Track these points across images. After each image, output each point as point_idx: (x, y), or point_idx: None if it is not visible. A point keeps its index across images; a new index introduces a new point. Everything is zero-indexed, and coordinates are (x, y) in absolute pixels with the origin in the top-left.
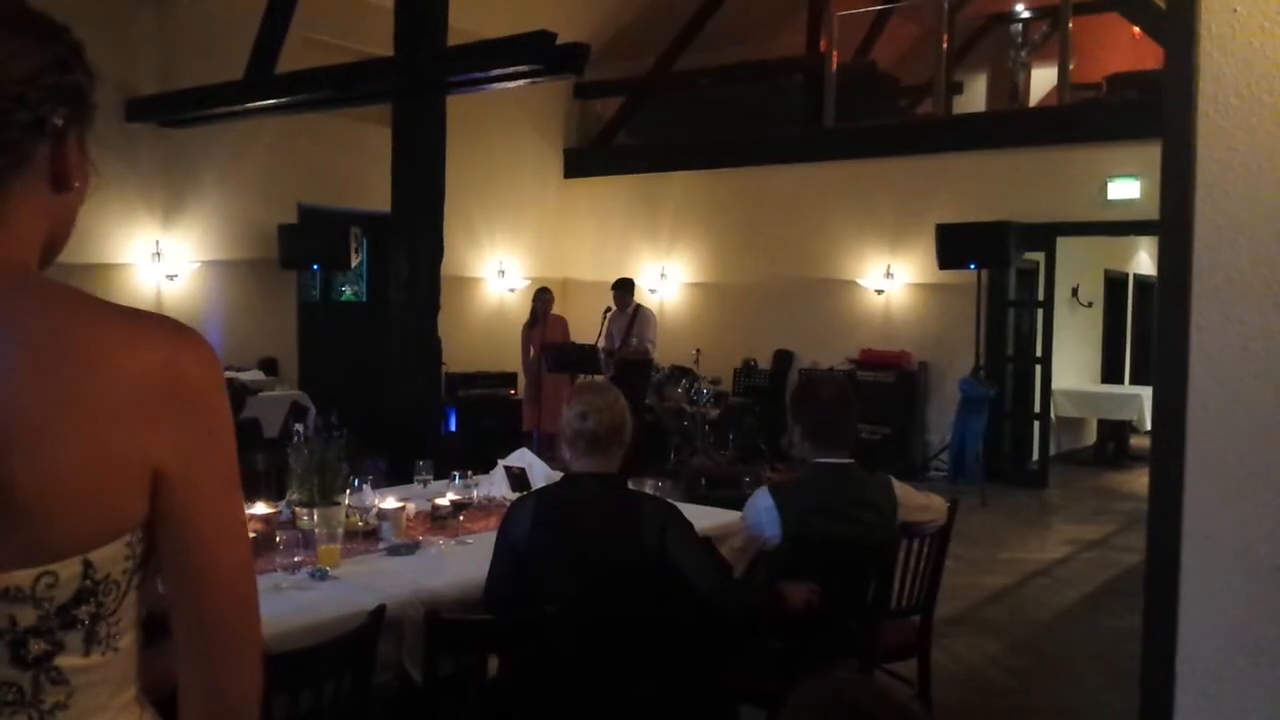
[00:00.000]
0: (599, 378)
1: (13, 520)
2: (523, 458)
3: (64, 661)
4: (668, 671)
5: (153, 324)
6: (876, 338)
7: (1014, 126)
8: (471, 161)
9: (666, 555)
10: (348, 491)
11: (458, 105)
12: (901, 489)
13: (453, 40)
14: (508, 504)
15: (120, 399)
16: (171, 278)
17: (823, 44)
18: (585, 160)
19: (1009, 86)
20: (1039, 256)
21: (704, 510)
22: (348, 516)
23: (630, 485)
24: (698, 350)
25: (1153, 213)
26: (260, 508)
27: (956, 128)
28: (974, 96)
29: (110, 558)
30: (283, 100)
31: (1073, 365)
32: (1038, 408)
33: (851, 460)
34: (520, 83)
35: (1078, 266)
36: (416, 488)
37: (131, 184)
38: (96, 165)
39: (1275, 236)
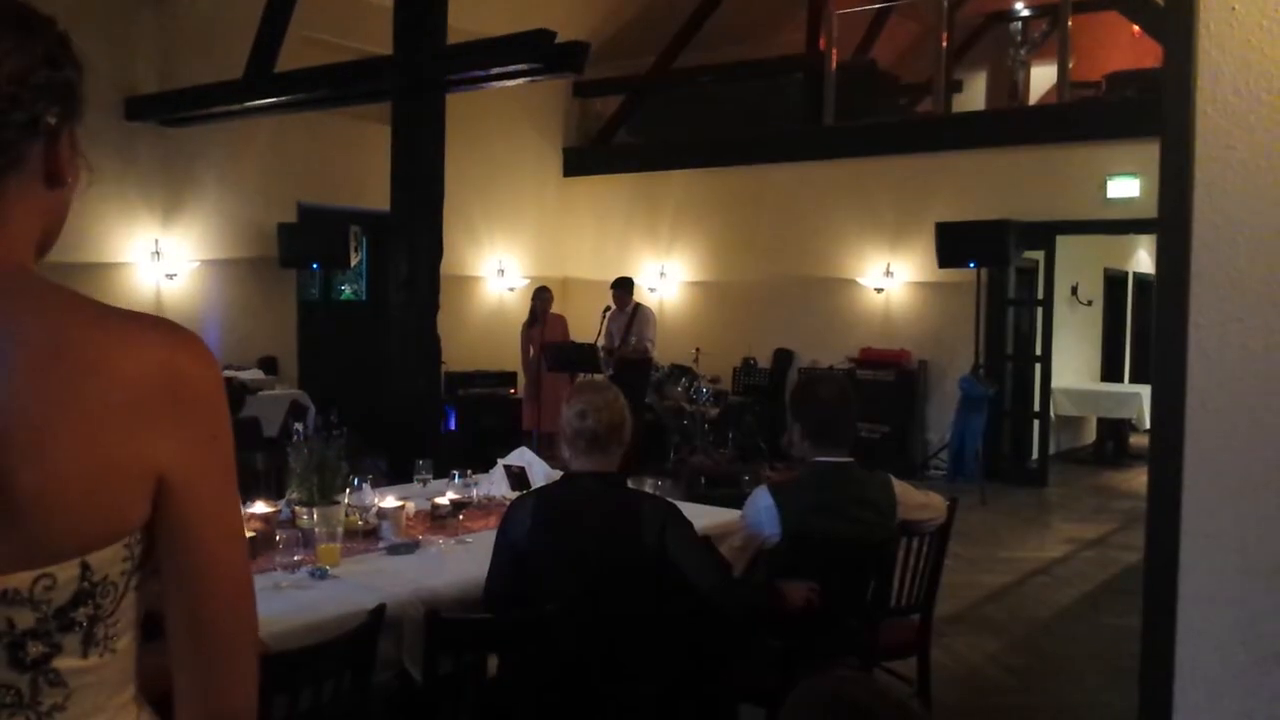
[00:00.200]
0: (598, 376)
1: (11, 523)
2: (522, 457)
3: (62, 663)
4: (667, 670)
5: (150, 326)
6: (876, 336)
7: (1013, 125)
8: (471, 160)
9: (666, 554)
10: (347, 490)
11: (457, 104)
12: (901, 487)
13: (452, 39)
14: (507, 503)
15: (119, 401)
16: (171, 277)
17: (822, 42)
18: (585, 159)
19: (1008, 85)
20: (1038, 255)
21: (703, 509)
22: (347, 515)
23: (630, 484)
24: (697, 349)
25: (1152, 211)
26: (260, 507)
27: (956, 126)
28: (973, 95)
29: (108, 560)
30: (282, 99)
31: (1072, 364)
32: (1037, 406)
33: (851, 459)
34: (520, 81)
35: (1077, 265)
36: (416, 487)
37: (131, 183)
38: (93, 163)
39: (1274, 234)
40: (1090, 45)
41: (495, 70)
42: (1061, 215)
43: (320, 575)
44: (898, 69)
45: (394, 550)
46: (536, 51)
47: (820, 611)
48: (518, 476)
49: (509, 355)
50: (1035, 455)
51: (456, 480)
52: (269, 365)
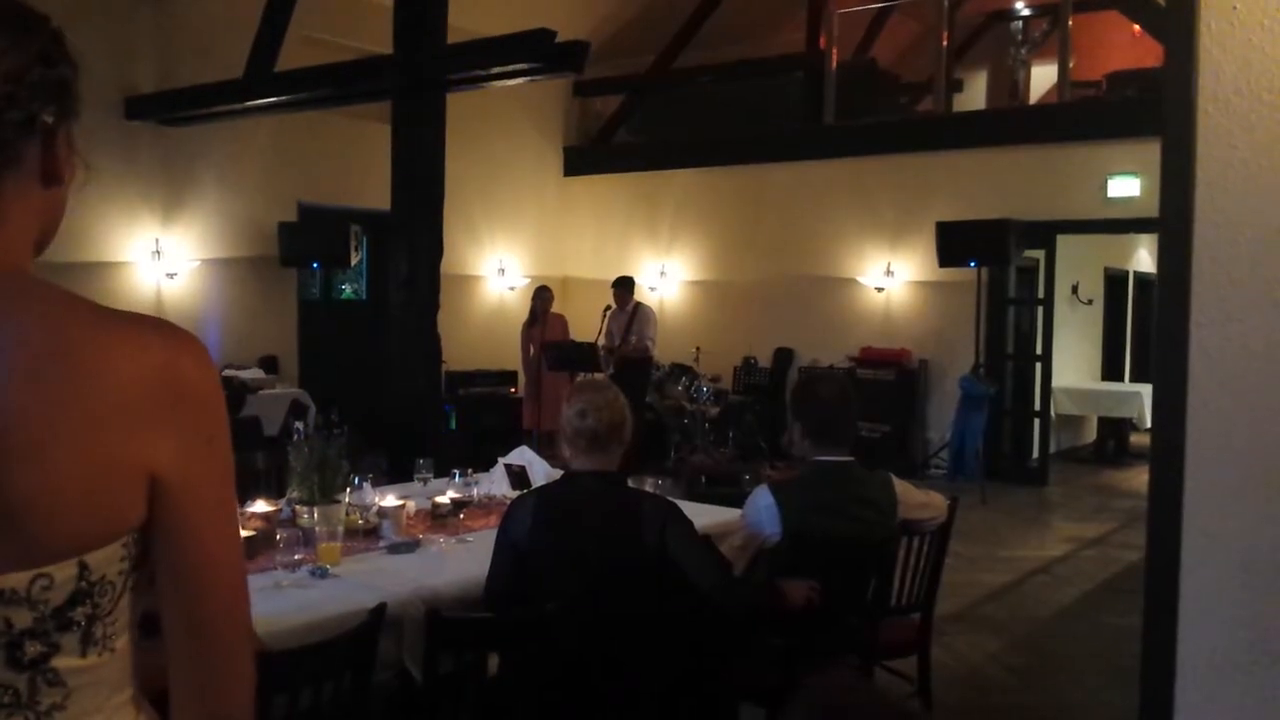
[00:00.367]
0: (599, 376)
1: (8, 523)
2: (523, 455)
3: (60, 663)
4: (668, 669)
5: (150, 328)
6: (876, 335)
7: (1014, 124)
8: (471, 160)
9: (667, 553)
10: (348, 489)
11: (457, 103)
12: (901, 486)
13: (452, 38)
14: (508, 502)
15: (118, 402)
16: (171, 276)
17: (822, 41)
18: (585, 158)
19: (1009, 84)
20: (1039, 254)
21: (704, 508)
22: (348, 514)
23: (630, 483)
24: (698, 348)
25: (1153, 210)
26: (261, 505)
27: (956, 125)
28: (974, 94)
29: (106, 559)
30: (282, 98)
31: (1073, 363)
32: (1038, 405)
33: (851, 458)
34: (520, 81)
35: (1078, 264)
36: (417, 486)
37: (131, 182)
38: (93, 163)
39: (1276, 233)
40: (1091, 45)
41: (495, 70)
42: (1062, 214)
43: (321, 574)
44: (898, 68)
45: (394, 549)
46: (537, 51)
47: (821, 610)
48: (518, 475)
49: (509, 354)
50: (1036, 454)
51: (457, 479)
52: (269, 364)
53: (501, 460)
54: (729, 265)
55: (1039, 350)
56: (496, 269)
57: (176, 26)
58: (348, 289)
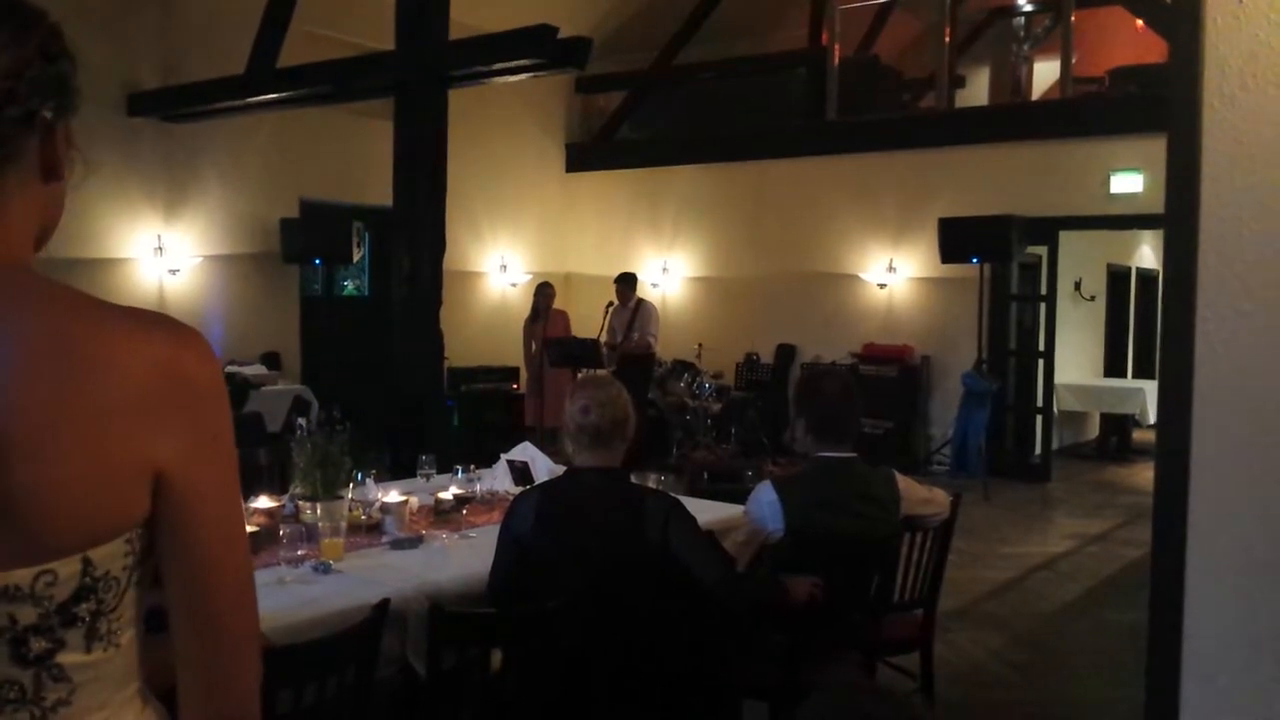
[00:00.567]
0: (601, 372)
1: (12, 519)
2: (525, 451)
3: (65, 659)
4: (670, 665)
5: (153, 323)
6: (879, 332)
7: (1016, 120)
8: (473, 156)
9: (669, 549)
10: (351, 485)
11: (459, 99)
12: (904, 483)
13: (454, 34)
14: (511, 498)
15: (121, 398)
16: (173, 272)
17: (825, 37)
18: (587, 154)
19: (1011, 80)
20: (1041, 250)
21: (707, 504)
22: (351, 510)
23: (633, 479)
24: (700, 344)
25: (1155, 206)
26: (264, 501)
27: (959, 121)
28: (976, 90)
29: (110, 555)
30: (284, 95)
31: (1075, 359)
32: (1040, 402)
33: (854, 454)
34: (522, 77)
35: (1080, 260)
36: (419, 481)
37: (133, 179)
38: (95, 159)
39: None
40: (1093, 40)
41: (497, 66)
42: (1064, 210)
43: (324, 570)
44: (900, 64)
45: (397, 545)
46: (539, 47)
47: (824, 606)
48: (521, 471)
49: (512, 350)
50: (1038, 450)
51: (460, 475)
52: (272, 360)
53: (504, 456)
54: (731, 262)
55: (1041, 346)
56: (499, 265)
57: (178, 23)
58: (350, 285)
